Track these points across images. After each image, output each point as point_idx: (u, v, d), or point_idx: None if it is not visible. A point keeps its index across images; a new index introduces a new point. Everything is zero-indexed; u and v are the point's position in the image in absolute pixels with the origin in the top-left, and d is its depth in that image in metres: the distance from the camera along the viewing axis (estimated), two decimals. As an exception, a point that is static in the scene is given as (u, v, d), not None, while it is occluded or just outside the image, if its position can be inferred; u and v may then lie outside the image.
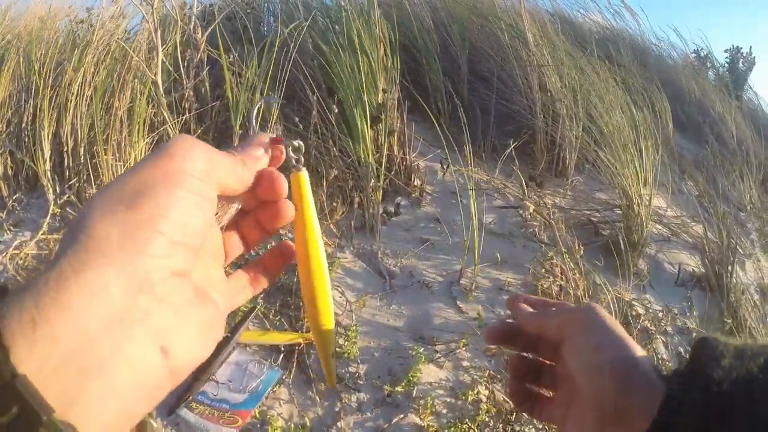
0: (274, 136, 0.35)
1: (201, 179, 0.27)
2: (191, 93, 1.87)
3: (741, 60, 4.11)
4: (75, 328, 0.20)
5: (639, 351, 0.35)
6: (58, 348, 0.20)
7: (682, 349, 1.47)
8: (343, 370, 1.24)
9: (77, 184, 1.73)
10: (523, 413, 0.44)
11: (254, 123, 0.40)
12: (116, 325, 0.22)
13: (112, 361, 0.21)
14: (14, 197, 1.75)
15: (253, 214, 0.34)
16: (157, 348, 0.24)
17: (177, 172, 0.26)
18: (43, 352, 0.20)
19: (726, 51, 4.20)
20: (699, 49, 4.18)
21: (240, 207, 0.33)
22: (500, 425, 1.17)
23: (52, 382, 0.20)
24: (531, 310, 0.45)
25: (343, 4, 1.93)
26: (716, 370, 0.31)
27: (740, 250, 1.82)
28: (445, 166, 1.92)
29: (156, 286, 0.24)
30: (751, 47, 4.16)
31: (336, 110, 1.73)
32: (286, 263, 0.36)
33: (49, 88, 1.76)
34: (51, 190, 1.70)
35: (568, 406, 0.39)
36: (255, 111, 0.42)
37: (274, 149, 0.34)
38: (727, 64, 4.16)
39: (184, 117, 1.82)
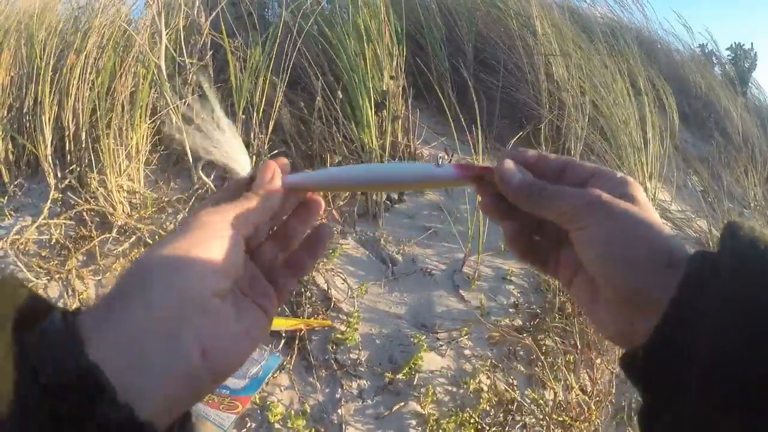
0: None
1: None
2: (195, 78, 1.85)
3: (744, 57, 4.07)
4: (134, 329, 0.27)
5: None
6: (119, 343, 0.27)
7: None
8: (344, 357, 1.23)
9: (78, 169, 1.71)
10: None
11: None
12: (166, 327, 0.28)
13: (159, 354, 0.28)
14: (15, 182, 1.73)
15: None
16: (199, 350, 0.29)
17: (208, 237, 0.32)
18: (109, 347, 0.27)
19: (728, 49, 4.16)
20: (704, 44, 4.15)
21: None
22: (501, 414, 1.17)
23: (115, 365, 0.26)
24: (524, 175, 0.36)
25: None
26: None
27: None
28: (450, 154, 1.90)
29: (201, 301, 0.30)
30: (752, 43, 4.12)
31: (341, 96, 1.71)
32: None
33: (50, 71, 1.74)
34: (52, 174, 1.69)
35: (575, 272, 0.35)
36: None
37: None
38: (730, 61, 4.12)
39: (187, 102, 1.80)
